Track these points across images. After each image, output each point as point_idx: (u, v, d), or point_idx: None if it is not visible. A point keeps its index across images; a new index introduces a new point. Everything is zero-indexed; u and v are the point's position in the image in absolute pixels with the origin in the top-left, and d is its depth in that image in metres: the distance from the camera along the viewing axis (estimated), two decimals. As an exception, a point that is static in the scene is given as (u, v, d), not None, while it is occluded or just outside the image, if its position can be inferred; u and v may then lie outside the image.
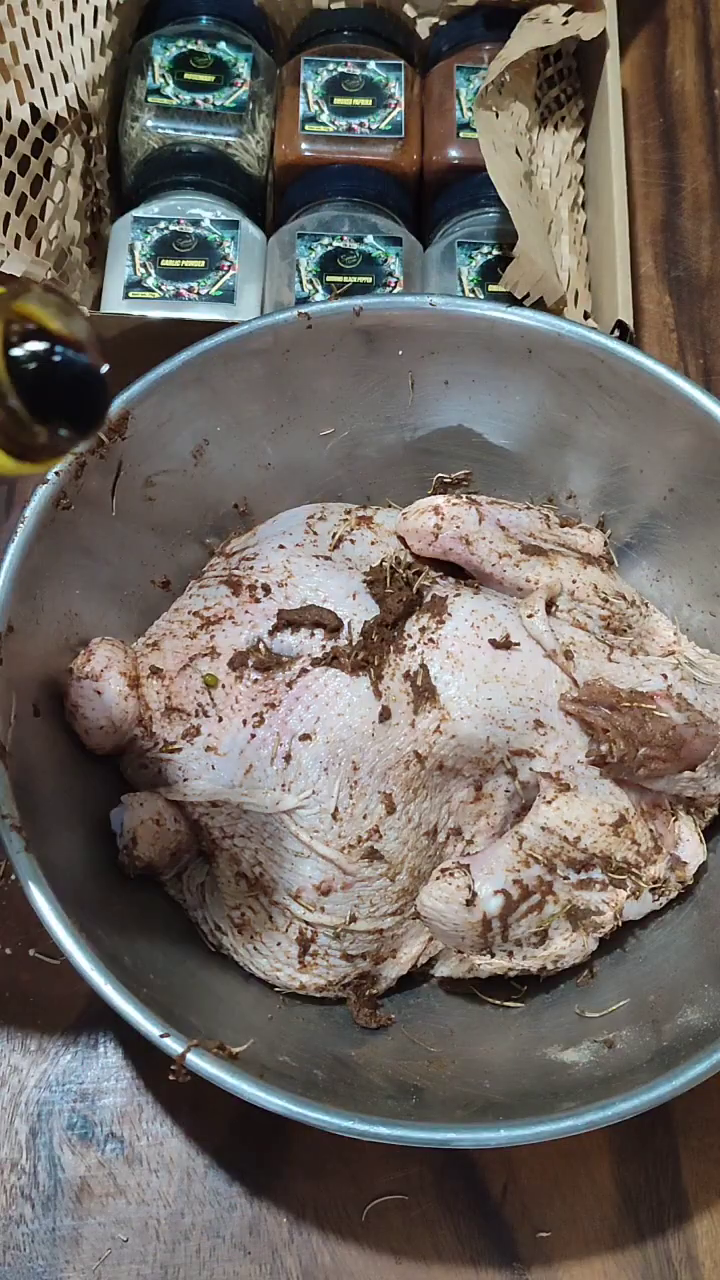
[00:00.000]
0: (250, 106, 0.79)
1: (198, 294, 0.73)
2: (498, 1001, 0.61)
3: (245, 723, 0.58)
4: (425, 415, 0.67)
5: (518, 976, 0.60)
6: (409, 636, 0.59)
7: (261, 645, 0.60)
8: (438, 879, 0.57)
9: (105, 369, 0.39)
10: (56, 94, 0.74)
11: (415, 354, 0.65)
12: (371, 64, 0.81)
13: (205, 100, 0.78)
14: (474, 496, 0.65)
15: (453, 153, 0.79)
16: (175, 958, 0.59)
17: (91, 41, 0.78)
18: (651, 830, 0.60)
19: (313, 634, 0.60)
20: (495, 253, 0.75)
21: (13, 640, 0.56)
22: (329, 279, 0.73)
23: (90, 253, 0.77)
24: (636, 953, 0.61)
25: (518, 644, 0.59)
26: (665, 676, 0.60)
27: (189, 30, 0.81)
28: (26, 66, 0.72)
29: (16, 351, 0.37)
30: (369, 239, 0.75)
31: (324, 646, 0.59)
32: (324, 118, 0.79)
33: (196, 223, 0.74)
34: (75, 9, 0.77)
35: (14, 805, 0.53)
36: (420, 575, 0.62)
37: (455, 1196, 0.61)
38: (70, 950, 0.51)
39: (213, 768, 0.58)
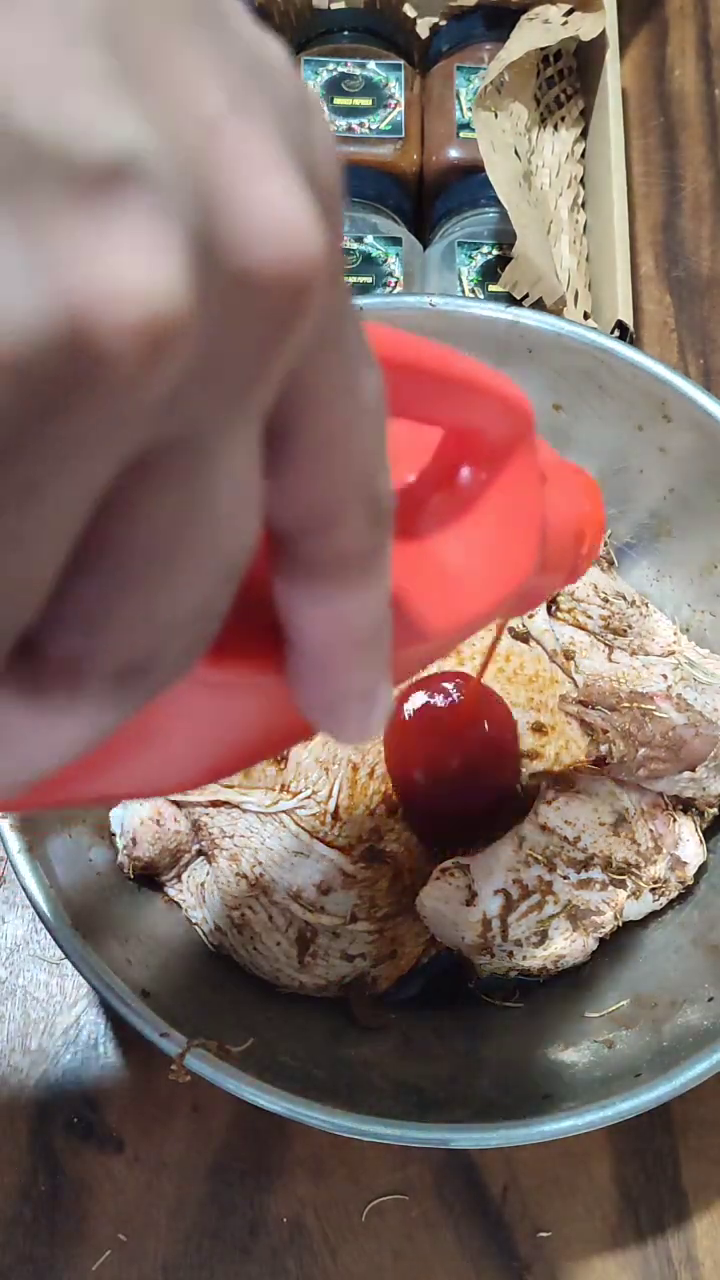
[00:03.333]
0: (250, 106, 0.79)
1: (198, 294, 0.72)
2: (498, 1002, 0.61)
3: (245, 723, 0.58)
4: (425, 415, 0.67)
5: (518, 977, 0.60)
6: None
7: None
8: (437, 879, 0.57)
9: None
10: (56, 94, 0.74)
11: (415, 354, 0.65)
12: (371, 64, 0.80)
13: (205, 100, 0.78)
14: (474, 496, 0.65)
15: (453, 153, 0.79)
16: (175, 957, 0.59)
17: (91, 41, 0.78)
18: (651, 830, 0.60)
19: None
20: (495, 253, 0.75)
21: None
22: (329, 279, 0.73)
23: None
24: (636, 953, 0.61)
25: (519, 644, 0.60)
26: (665, 677, 0.60)
27: (189, 30, 0.81)
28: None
29: None
30: (369, 239, 0.75)
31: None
32: (324, 118, 0.79)
33: (196, 223, 0.74)
34: (75, 9, 0.77)
35: (14, 805, 0.53)
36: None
37: (455, 1196, 0.61)
38: (70, 950, 0.51)
39: (213, 768, 0.58)
